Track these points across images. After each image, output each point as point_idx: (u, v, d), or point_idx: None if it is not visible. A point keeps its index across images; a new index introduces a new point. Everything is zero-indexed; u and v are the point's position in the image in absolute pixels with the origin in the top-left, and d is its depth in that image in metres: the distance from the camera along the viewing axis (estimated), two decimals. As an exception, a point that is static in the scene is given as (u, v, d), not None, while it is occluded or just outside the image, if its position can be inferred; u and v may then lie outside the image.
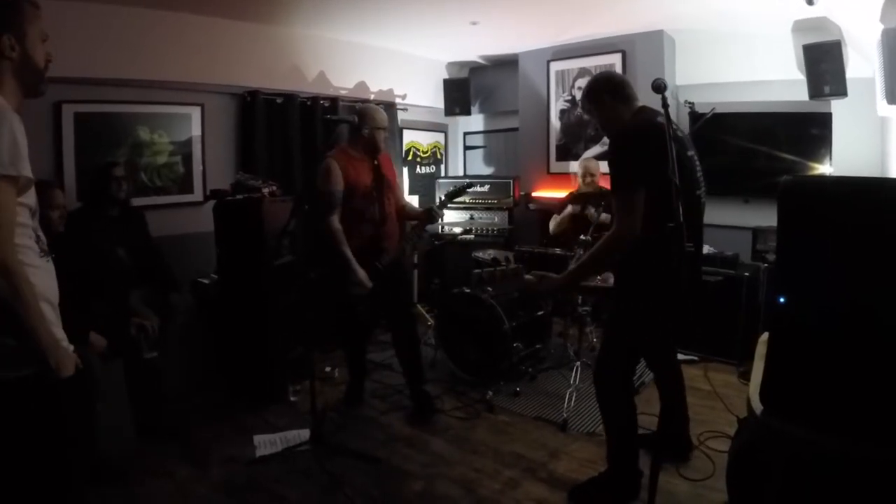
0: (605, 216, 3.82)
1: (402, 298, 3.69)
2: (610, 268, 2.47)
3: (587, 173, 4.62)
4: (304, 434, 3.16)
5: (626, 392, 2.53)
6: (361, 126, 3.32)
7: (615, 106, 2.48)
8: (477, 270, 2.39)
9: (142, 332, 3.19)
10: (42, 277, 1.46)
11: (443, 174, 6.75)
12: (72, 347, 1.53)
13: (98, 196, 3.40)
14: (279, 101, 4.75)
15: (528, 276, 2.57)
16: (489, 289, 3.91)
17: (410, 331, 3.59)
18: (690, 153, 2.48)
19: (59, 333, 1.50)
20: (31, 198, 1.46)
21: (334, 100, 5.10)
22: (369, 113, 3.38)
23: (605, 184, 4.52)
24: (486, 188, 5.84)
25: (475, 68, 6.68)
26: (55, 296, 1.52)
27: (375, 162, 3.42)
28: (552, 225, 4.64)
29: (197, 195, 4.39)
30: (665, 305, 2.28)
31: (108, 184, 3.38)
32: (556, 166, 5.76)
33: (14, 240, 1.37)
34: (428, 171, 6.56)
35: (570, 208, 4.51)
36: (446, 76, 6.44)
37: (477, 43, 5.67)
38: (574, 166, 5.22)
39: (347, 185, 3.27)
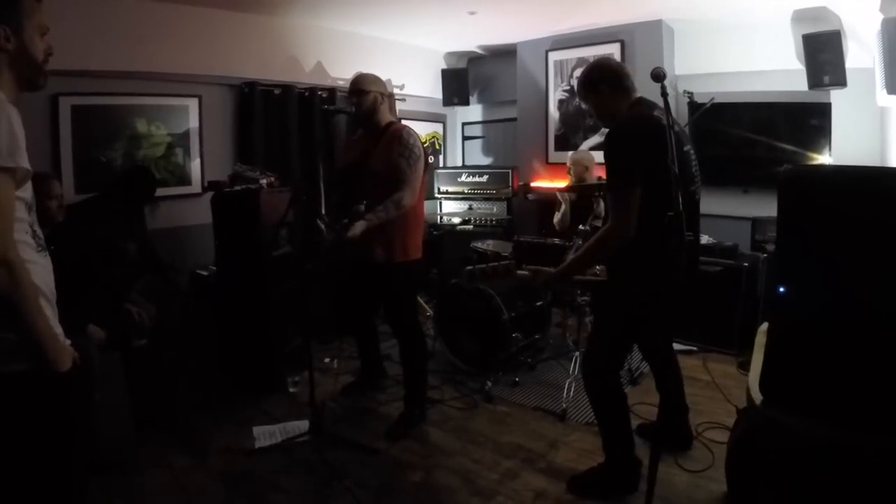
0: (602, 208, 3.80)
1: (392, 305, 3.28)
2: (605, 262, 2.44)
3: (579, 166, 4.50)
4: (303, 425, 3.16)
5: (615, 383, 2.52)
6: None
7: (612, 96, 2.42)
8: (469, 268, 2.32)
9: (130, 319, 3.15)
10: (39, 273, 1.45)
11: (441, 165, 6.71)
12: (69, 342, 1.52)
13: (128, 194, 3.53)
14: (277, 92, 4.72)
15: (521, 272, 2.51)
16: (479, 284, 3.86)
17: (403, 345, 3.29)
18: (687, 148, 2.43)
19: (57, 328, 1.49)
20: (27, 191, 1.45)
21: (332, 90, 5.07)
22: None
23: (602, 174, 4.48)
24: (484, 178, 5.83)
25: (473, 58, 6.66)
26: (52, 291, 1.51)
27: (377, 142, 3.05)
28: (556, 221, 4.59)
29: (195, 187, 4.38)
30: (661, 298, 2.27)
31: (151, 195, 3.70)
32: (554, 156, 5.75)
33: (13, 234, 1.36)
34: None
35: (564, 205, 4.41)
36: (444, 66, 6.41)
37: (475, 33, 5.64)
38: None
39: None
